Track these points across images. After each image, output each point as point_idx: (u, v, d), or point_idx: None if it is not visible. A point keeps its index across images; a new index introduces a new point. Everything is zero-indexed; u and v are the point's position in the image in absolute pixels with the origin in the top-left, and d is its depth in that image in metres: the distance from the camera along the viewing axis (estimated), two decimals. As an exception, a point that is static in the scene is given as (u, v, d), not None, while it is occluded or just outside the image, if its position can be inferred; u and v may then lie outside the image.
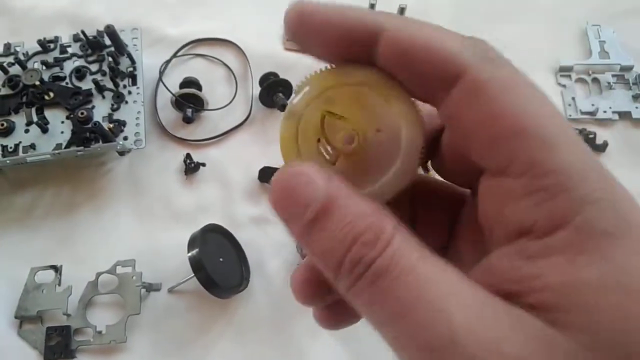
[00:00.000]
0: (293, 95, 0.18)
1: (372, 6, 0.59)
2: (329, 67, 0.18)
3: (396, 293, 0.14)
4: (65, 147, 0.53)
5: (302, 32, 0.17)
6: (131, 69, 0.58)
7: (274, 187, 0.16)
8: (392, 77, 0.17)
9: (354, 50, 0.16)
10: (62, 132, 0.54)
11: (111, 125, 0.54)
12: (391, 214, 0.16)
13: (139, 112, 0.56)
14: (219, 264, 0.49)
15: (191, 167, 0.57)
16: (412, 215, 0.21)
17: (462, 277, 0.14)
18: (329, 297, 0.19)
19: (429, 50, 0.15)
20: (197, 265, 0.47)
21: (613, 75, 0.64)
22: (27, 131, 0.54)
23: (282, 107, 0.58)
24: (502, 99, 0.14)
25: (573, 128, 0.15)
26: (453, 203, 0.21)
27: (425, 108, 0.19)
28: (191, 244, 0.48)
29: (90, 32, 0.58)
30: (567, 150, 0.14)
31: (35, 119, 0.54)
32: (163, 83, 0.60)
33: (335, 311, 0.20)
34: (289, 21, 0.17)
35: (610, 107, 0.62)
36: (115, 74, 0.57)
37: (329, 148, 0.17)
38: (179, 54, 0.64)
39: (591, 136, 0.59)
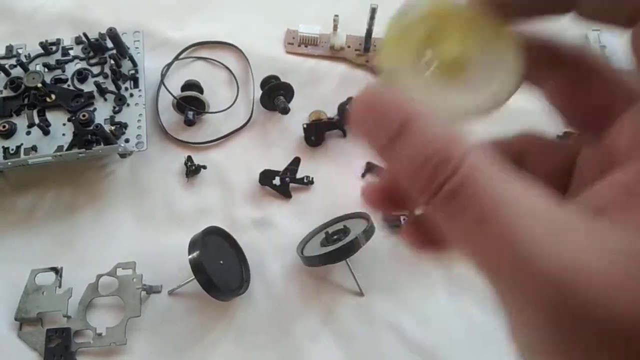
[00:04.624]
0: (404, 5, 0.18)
1: (374, 10, 0.59)
2: None
3: (471, 209, 0.14)
4: (67, 150, 0.53)
5: None
6: (133, 71, 0.58)
7: (356, 105, 0.16)
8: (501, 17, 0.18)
9: None
10: (63, 135, 0.54)
11: (113, 128, 0.54)
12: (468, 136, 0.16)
13: (140, 114, 0.56)
14: (219, 267, 0.49)
15: (192, 170, 0.57)
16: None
17: (548, 197, 0.14)
18: (395, 207, 0.19)
19: None
20: (197, 268, 0.47)
21: (613, 80, 0.64)
22: (28, 133, 0.54)
23: (283, 110, 0.58)
24: None
25: None
26: (561, 160, 0.20)
27: None
28: (192, 247, 0.48)
29: (93, 35, 0.59)
30: None
31: (36, 121, 0.54)
32: (165, 86, 0.61)
33: (423, 230, 0.20)
34: None
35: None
36: (117, 76, 0.57)
37: (427, 58, 0.18)
38: (181, 57, 0.65)
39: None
